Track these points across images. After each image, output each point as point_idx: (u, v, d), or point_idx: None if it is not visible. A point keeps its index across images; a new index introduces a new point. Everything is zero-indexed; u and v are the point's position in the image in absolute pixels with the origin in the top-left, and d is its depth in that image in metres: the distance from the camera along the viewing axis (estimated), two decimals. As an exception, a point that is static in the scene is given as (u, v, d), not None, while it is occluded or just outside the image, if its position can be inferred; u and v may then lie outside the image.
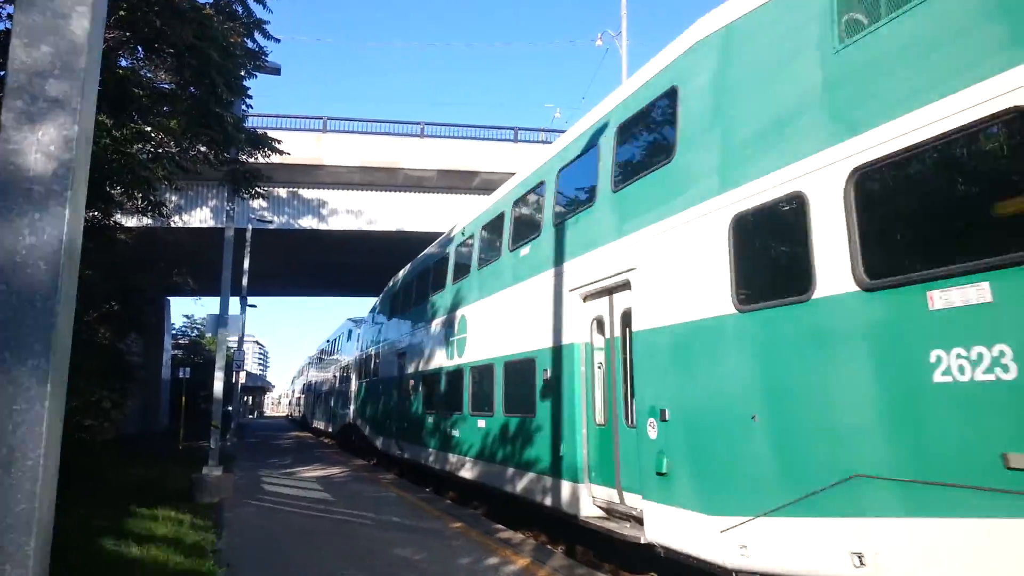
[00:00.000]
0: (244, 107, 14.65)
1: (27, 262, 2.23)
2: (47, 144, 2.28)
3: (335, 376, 33.54)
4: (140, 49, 11.78)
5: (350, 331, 30.27)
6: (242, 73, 13.00)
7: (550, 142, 28.25)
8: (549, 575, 7.65)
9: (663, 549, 6.79)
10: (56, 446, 2.35)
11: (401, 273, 20.10)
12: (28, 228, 2.25)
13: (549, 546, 9.98)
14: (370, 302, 28.70)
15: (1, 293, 2.20)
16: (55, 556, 2.56)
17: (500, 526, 10.91)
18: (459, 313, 13.51)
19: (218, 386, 14.77)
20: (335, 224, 27.24)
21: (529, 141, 28.41)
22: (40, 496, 2.28)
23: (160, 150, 13.55)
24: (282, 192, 26.69)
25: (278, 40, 13.99)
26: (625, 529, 7.63)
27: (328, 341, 40.57)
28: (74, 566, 6.95)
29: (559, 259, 9.46)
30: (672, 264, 6.91)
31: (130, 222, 18.11)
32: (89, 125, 2.42)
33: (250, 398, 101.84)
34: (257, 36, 13.13)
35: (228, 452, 21.76)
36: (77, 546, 7.81)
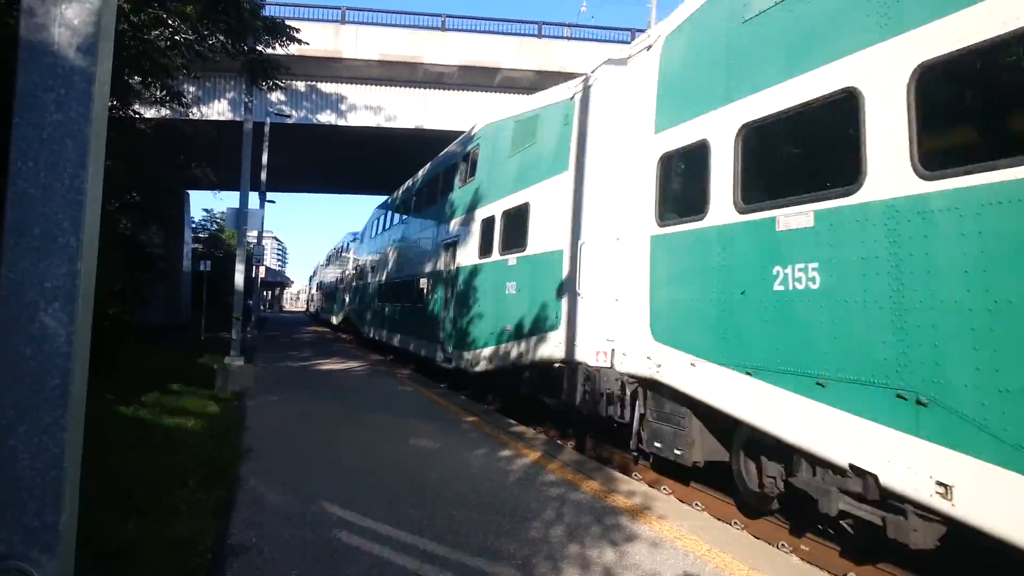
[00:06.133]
0: (262, -6, 14.24)
1: (54, 139, 2.22)
2: (71, 18, 2.23)
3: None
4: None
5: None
6: (258, -44, 12.58)
7: (577, 38, 27.46)
8: (559, 468, 7.91)
9: None
10: (87, 323, 2.39)
11: None
12: (54, 105, 2.23)
13: (560, 441, 10.30)
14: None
15: (29, 169, 2.19)
16: (89, 430, 2.65)
17: (512, 421, 11.23)
18: None
19: (239, 279, 14.97)
20: (354, 120, 26.85)
21: (554, 36, 27.44)
22: (74, 371, 2.33)
23: (177, 37, 13.28)
24: (300, 86, 26.21)
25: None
26: None
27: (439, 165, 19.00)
28: (102, 445, 7.25)
29: None
30: None
31: (149, 112, 17.94)
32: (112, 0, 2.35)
33: (269, 293, 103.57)
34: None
35: (249, 344, 22.28)
36: (109, 420, 8.14)
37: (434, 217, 17.70)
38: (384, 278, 24.81)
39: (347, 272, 38.10)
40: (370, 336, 27.10)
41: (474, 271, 13.61)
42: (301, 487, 6.67)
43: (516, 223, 11.75)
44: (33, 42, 2.15)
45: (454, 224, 15.36)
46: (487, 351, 12.49)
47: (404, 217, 22.52)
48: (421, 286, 18.42)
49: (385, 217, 26.63)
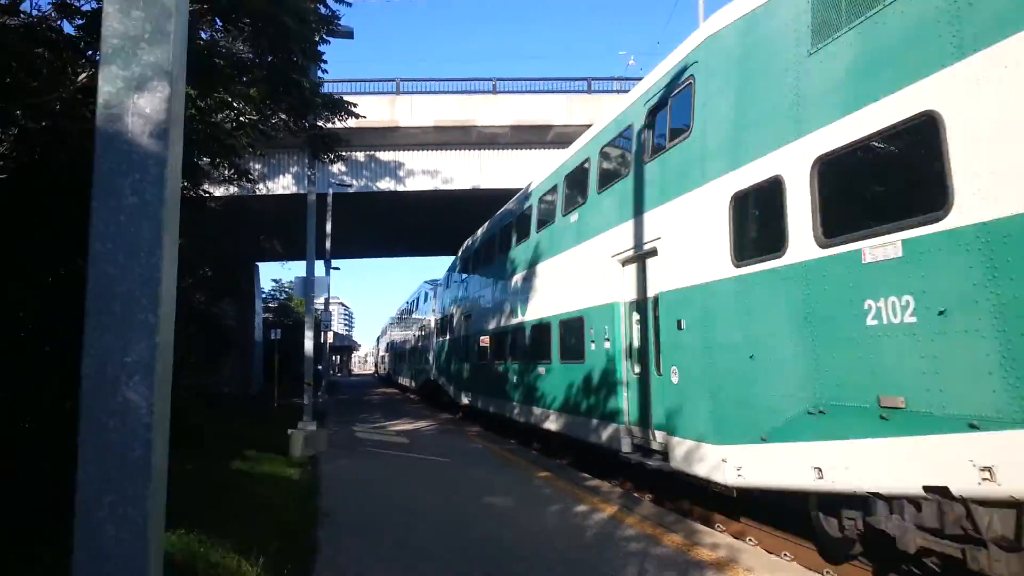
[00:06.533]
0: (320, 72, 14.87)
1: (131, 221, 2.34)
2: (143, 107, 2.37)
3: None
4: (218, 20, 12.04)
5: None
6: (316, 39, 13.16)
7: (626, 91, 27.70)
8: (638, 522, 7.70)
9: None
10: (166, 396, 2.47)
11: None
12: (130, 189, 2.35)
13: (636, 494, 10.04)
14: (447, 262, 28.55)
15: (108, 251, 2.31)
16: (170, 500, 2.71)
17: (586, 475, 11.02)
18: None
19: (309, 345, 15.31)
20: (412, 185, 27.50)
21: (604, 91, 27.80)
22: (155, 443, 2.41)
23: (242, 118, 13.91)
24: (360, 156, 27.06)
25: (349, 4, 14.09)
26: None
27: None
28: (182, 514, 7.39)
29: None
30: None
31: (218, 191, 18.73)
32: (181, 88, 2.51)
33: (338, 357, 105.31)
34: (329, 0, 13.24)
35: (320, 408, 22.62)
36: (191, 491, 8.30)
37: (590, 223, 11.64)
38: (498, 325, 17.60)
39: (428, 326, 31.23)
40: (477, 406, 20.00)
41: (713, 294, 7.85)
42: (378, 549, 6.65)
43: (884, 171, 6.16)
44: (109, 131, 2.30)
45: (645, 224, 9.47)
46: (798, 451, 6.41)
47: (527, 236, 15.44)
48: (571, 332, 12.25)
49: (488, 246, 19.42)
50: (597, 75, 38.39)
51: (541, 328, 13.87)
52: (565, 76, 34.52)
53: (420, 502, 8.97)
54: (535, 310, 14.29)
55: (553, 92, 27.43)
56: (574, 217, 12.35)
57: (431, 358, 29.39)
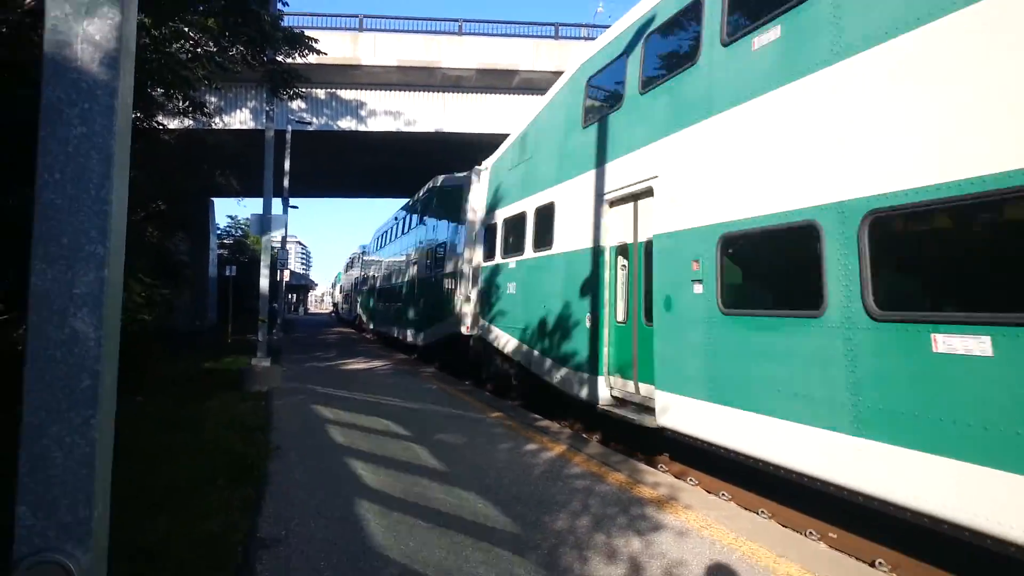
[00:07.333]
0: (280, 5, 14.45)
1: (79, 151, 2.31)
2: (93, 34, 2.33)
3: None
4: (175, -56, 11.57)
5: None
6: (276, -33, 12.77)
7: (593, 38, 27.42)
8: (585, 460, 7.95)
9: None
10: (116, 327, 2.48)
11: None
12: (79, 119, 2.32)
13: (585, 435, 10.32)
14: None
15: (56, 181, 2.29)
16: (118, 435, 2.74)
17: (537, 416, 11.28)
18: None
19: (264, 282, 15.21)
20: (374, 125, 27.07)
21: (571, 38, 27.47)
22: (103, 374, 2.42)
23: (199, 50, 13.50)
24: (320, 93, 26.51)
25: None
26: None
27: None
28: (133, 448, 7.41)
29: None
30: None
31: (172, 124, 18.24)
32: (133, 15, 2.45)
33: (295, 296, 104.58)
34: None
35: (275, 346, 22.53)
36: (137, 426, 8.31)
37: None
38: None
39: (450, 249, 18.63)
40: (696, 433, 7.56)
41: None
42: (329, 484, 6.77)
43: None
44: (57, 59, 2.25)
45: None
46: None
47: None
48: None
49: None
50: (565, 21, 37.66)
51: None
52: (532, 20, 33.84)
53: (374, 442, 9.10)
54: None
55: (520, 36, 27.01)
56: None
57: (462, 300, 17.00)
